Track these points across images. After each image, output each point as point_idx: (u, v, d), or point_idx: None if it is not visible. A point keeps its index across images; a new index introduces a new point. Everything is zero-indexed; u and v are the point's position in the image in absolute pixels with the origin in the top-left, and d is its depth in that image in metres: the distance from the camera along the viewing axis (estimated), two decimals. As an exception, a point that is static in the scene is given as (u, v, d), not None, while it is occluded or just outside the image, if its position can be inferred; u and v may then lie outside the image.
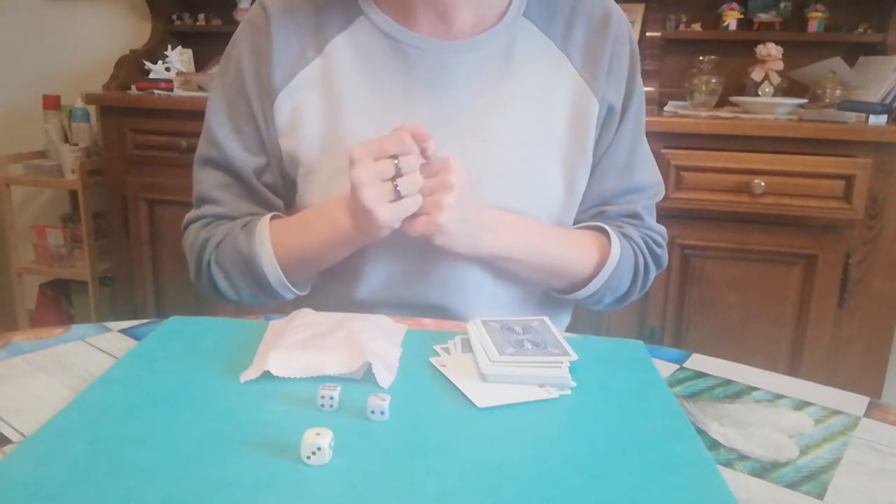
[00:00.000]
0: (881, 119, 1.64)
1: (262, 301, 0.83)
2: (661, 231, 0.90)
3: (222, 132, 0.84)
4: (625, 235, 0.85)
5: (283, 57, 0.82)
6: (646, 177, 0.88)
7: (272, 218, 0.81)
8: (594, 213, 0.87)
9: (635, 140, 0.88)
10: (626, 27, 0.86)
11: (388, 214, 0.69)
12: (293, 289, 0.81)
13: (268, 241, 0.78)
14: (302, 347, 0.61)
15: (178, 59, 2.25)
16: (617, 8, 0.87)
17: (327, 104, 0.82)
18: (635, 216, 0.88)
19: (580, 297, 0.84)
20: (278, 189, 0.87)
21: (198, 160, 0.87)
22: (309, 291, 0.85)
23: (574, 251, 0.83)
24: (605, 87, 0.84)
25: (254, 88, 0.83)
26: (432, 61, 0.81)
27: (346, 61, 0.82)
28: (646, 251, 0.87)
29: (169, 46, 2.28)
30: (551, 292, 0.87)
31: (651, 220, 0.90)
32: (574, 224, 0.87)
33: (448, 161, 0.71)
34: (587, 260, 0.83)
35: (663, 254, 0.90)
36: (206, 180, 0.86)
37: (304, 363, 0.59)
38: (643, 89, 0.90)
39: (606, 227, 0.84)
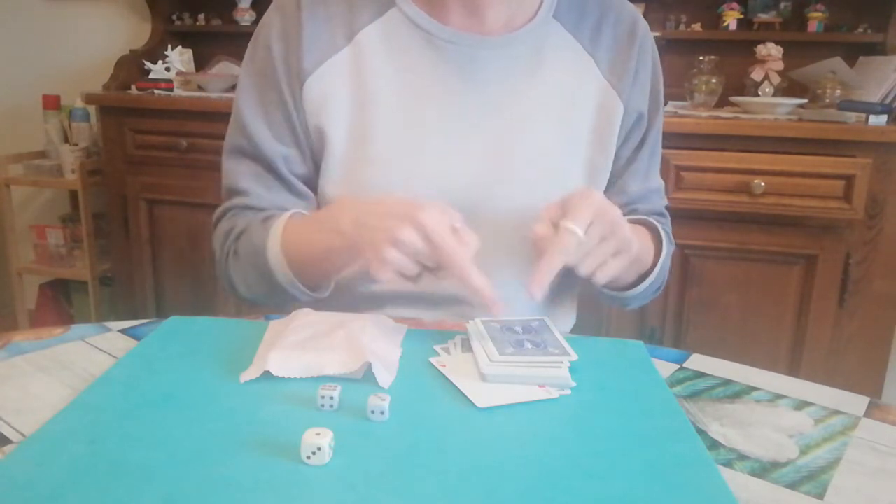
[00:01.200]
0: (881, 119, 1.64)
1: (277, 301, 0.81)
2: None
3: (252, 120, 0.83)
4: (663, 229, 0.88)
5: (312, 43, 0.81)
6: (657, 180, 0.93)
7: (294, 215, 0.79)
8: (625, 212, 0.88)
9: (655, 146, 0.92)
10: (650, 39, 0.89)
11: (385, 276, 0.64)
12: (304, 289, 0.77)
13: (279, 236, 0.76)
14: (302, 347, 0.61)
15: (178, 59, 2.25)
16: (642, 18, 0.90)
17: (355, 93, 0.81)
18: (660, 213, 0.92)
19: (640, 291, 0.83)
20: (311, 180, 0.85)
21: (227, 150, 0.85)
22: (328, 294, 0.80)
23: (644, 242, 0.83)
24: (631, 93, 0.86)
25: (283, 74, 0.81)
26: (463, 55, 0.82)
27: (376, 51, 0.82)
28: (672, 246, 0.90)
29: (169, 46, 2.28)
30: (613, 292, 0.85)
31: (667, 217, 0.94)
32: None
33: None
34: (649, 250, 0.84)
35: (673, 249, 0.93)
36: (235, 170, 0.84)
37: (304, 363, 0.59)
38: (663, 97, 0.93)
39: (653, 222, 0.86)
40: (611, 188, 0.89)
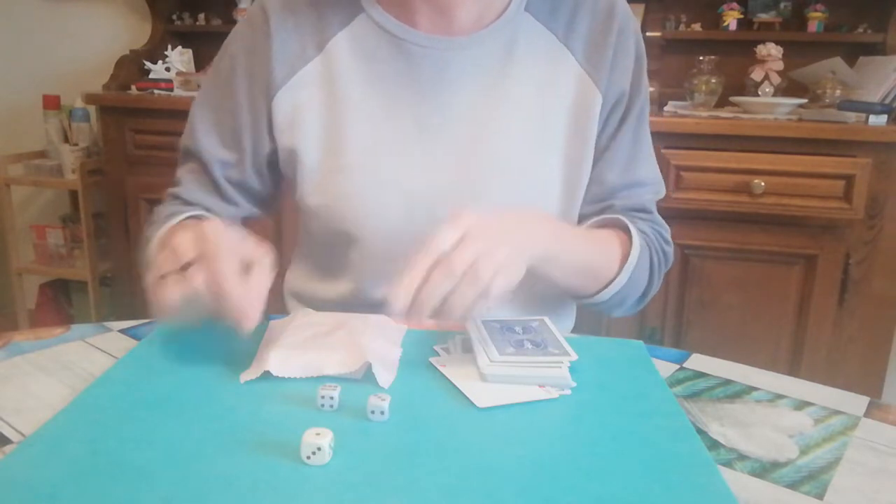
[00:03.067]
0: (881, 119, 1.64)
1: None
2: (667, 227, 0.89)
3: (200, 123, 0.85)
4: (638, 230, 0.83)
5: (282, 55, 0.82)
6: (647, 172, 0.88)
7: (192, 217, 0.79)
8: (601, 207, 0.86)
9: (639, 134, 0.87)
10: (630, 21, 0.86)
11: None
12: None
13: (158, 237, 0.74)
14: (302, 347, 0.61)
15: (178, 59, 2.25)
16: (622, 1, 0.86)
17: (328, 103, 0.82)
18: (643, 209, 0.87)
19: (605, 299, 0.80)
20: (250, 187, 0.87)
21: (180, 147, 0.89)
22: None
23: (600, 247, 0.80)
24: (609, 80, 0.84)
25: (243, 86, 0.83)
26: (433, 58, 0.81)
27: (347, 59, 0.82)
28: (657, 246, 0.86)
29: (169, 46, 2.28)
30: (577, 301, 0.85)
31: (657, 215, 0.89)
32: (582, 219, 0.86)
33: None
34: (612, 255, 0.79)
35: (671, 251, 0.88)
36: (180, 163, 0.88)
37: (304, 363, 0.59)
38: (648, 84, 0.89)
39: (625, 221, 0.81)
40: (590, 179, 0.85)
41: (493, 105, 0.82)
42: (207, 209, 0.84)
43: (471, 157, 0.81)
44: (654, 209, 0.89)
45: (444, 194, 0.80)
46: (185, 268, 0.59)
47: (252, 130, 0.84)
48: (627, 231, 0.81)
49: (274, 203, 0.93)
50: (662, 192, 0.91)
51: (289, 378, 0.59)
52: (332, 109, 0.81)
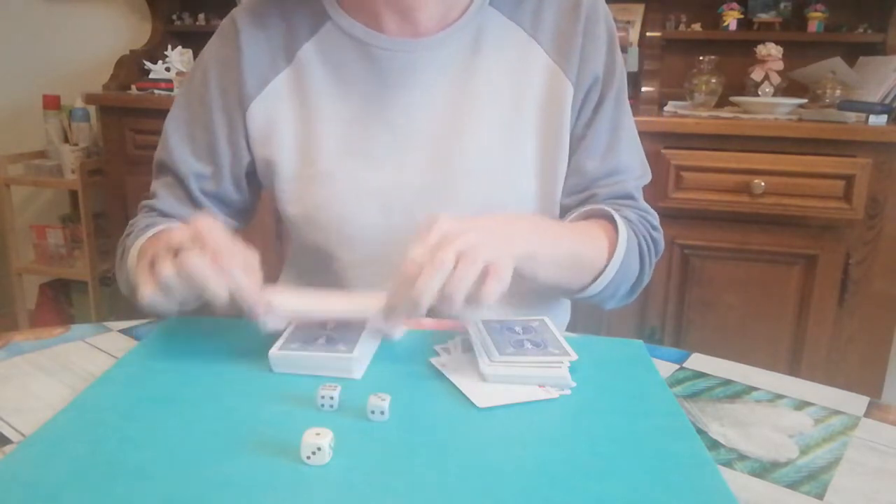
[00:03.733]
0: (881, 119, 1.64)
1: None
2: (654, 213, 0.87)
3: (174, 136, 0.86)
4: (624, 217, 0.81)
5: (253, 67, 0.82)
6: (629, 158, 0.85)
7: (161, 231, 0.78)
8: (583, 197, 0.84)
9: (618, 119, 0.85)
10: (599, 5, 0.84)
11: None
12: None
13: (137, 247, 0.75)
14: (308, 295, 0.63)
15: (178, 59, 2.25)
16: None
17: (300, 112, 0.82)
18: (628, 196, 0.85)
19: (596, 291, 0.79)
20: (226, 199, 0.87)
21: (154, 160, 0.89)
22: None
23: (585, 239, 0.78)
24: (580, 68, 0.82)
25: (216, 99, 0.83)
26: (400, 61, 0.81)
27: (316, 68, 0.82)
28: (645, 233, 0.84)
29: (169, 46, 2.28)
30: (568, 296, 0.84)
31: (643, 201, 0.87)
32: (565, 210, 0.85)
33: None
34: (599, 246, 0.78)
35: (660, 237, 0.86)
36: (155, 175, 0.89)
37: (309, 303, 0.61)
38: (623, 68, 0.86)
39: (610, 211, 0.80)
40: (569, 170, 0.84)
41: (463, 103, 0.82)
42: (184, 222, 0.83)
43: (444, 156, 0.81)
44: (640, 196, 0.87)
45: (419, 196, 0.80)
46: (175, 254, 0.60)
47: (229, 143, 0.84)
48: (613, 221, 0.79)
49: (252, 214, 0.93)
50: (648, 178, 0.88)
51: (289, 378, 0.59)
52: (304, 118, 0.82)
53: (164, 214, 0.85)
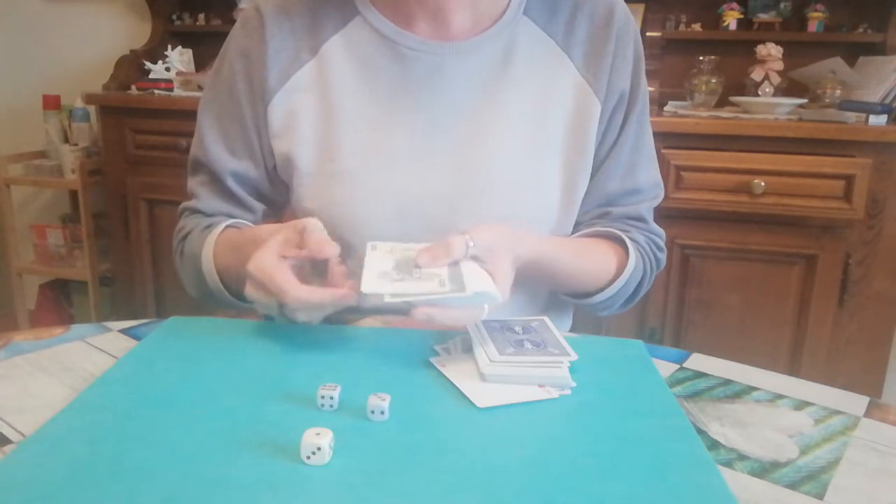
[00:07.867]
0: (881, 119, 1.64)
1: (216, 304, 0.82)
2: (661, 234, 0.89)
3: (208, 133, 0.85)
4: (632, 240, 0.84)
5: (277, 59, 0.81)
6: (647, 177, 0.87)
7: (230, 226, 0.81)
8: (598, 213, 0.86)
9: (639, 140, 0.87)
10: (630, 25, 0.84)
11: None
12: (232, 298, 0.78)
13: (212, 245, 0.78)
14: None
15: (178, 59, 2.25)
16: (621, 4, 0.85)
17: (322, 106, 0.81)
18: (639, 219, 0.87)
19: (594, 302, 0.83)
20: (264, 192, 0.87)
21: (189, 157, 0.89)
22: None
23: (590, 258, 0.81)
24: (608, 87, 0.83)
25: (244, 91, 0.82)
26: (429, 63, 0.80)
27: (342, 63, 0.81)
28: (650, 255, 0.86)
29: (169, 46, 2.28)
30: (563, 297, 0.86)
31: (653, 223, 0.89)
32: (578, 226, 0.86)
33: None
34: (605, 268, 0.81)
35: (663, 257, 0.89)
36: (192, 175, 0.88)
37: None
38: (647, 88, 0.88)
39: (622, 236, 0.82)
40: (590, 188, 0.85)
41: (490, 112, 0.81)
42: (229, 216, 0.84)
43: (466, 165, 0.80)
44: (651, 217, 0.89)
45: (438, 203, 0.79)
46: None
47: (258, 136, 0.83)
48: (622, 242, 0.82)
49: (286, 205, 0.92)
50: (661, 197, 0.90)
51: (289, 378, 0.59)
52: (326, 114, 0.81)
53: (208, 214, 0.85)
